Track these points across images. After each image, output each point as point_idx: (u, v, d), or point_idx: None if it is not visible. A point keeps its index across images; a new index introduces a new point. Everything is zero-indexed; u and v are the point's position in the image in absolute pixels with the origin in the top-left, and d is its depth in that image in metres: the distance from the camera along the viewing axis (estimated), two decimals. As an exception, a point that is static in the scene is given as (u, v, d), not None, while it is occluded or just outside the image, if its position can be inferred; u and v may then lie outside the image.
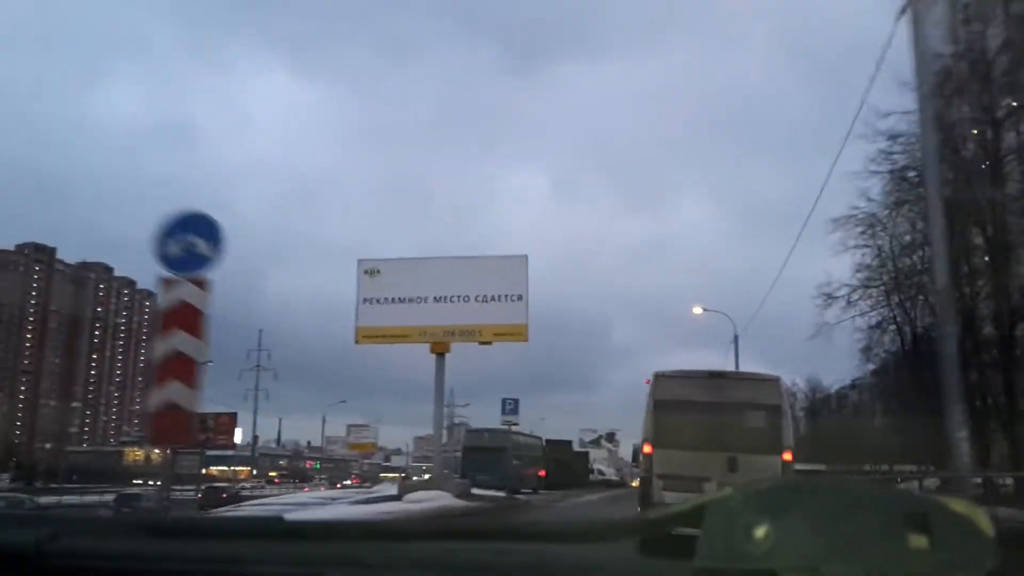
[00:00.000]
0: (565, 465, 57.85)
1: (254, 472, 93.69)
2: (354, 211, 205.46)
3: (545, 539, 1.40)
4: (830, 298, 30.59)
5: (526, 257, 24.09)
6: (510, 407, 25.70)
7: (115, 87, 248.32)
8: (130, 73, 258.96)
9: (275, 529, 1.62)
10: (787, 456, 13.29)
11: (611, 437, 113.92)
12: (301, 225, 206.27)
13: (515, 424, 25.09)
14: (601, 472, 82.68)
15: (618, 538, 1.31)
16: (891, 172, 28.47)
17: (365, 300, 23.91)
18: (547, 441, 61.79)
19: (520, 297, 23.48)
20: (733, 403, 13.59)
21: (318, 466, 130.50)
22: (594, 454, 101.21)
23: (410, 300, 23.66)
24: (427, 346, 23.38)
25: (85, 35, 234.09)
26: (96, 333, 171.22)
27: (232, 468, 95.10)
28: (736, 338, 38.74)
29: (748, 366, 35.32)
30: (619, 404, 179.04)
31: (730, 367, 32.55)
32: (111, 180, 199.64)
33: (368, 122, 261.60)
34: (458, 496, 20.71)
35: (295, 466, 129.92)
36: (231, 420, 59.61)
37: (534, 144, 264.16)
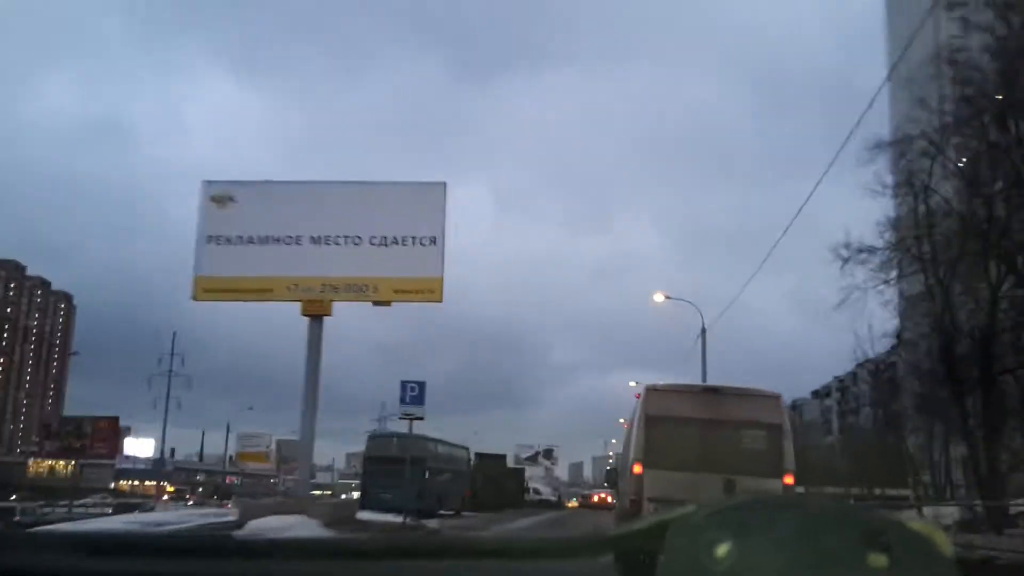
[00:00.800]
0: (497, 483, 50.92)
1: (167, 487, 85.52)
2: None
3: (505, 556, 1.41)
4: (858, 253, 23.87)
5: (444, 185, 17.11)
6: (412, 394, 18.13)
7: (49, 83, 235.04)
8: (66, 69, 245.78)
9: (225, 546, 1.60)
10: (788, 480, 12.48)
11: (549, 454, 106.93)
12: None
13: (418, 418, 17.89)
14: (537, 491, 75.81)
15: (579, 555, 1.31)
16: (961, 81, 22.13)
17: (210, 238, 16.67)
18: (477, 455, 54.93)
19: (434, 240, 16.52)
20: (731, 421, 12.80)
21: (239, 483, 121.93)
22: (530, 472, 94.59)
23: (276, 240, 16.55)
24: (310, 310, 16.22)
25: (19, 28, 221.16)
26: (3, 335, 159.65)
27: (143, 483, 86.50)
28: (703, 331, 32.46)
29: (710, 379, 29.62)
30: (558, 422, 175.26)
31: (689, 379, 27.31)
32: (36, 177, 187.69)
33: (313, 130, 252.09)
34: (328, 524, 13.63)
35: (211, 481, 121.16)
36: (113, 426, 51.55)
37: (481, 157, 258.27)
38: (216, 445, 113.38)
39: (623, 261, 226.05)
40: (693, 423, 12.84)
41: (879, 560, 1.11)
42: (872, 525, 1.15)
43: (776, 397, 13.78)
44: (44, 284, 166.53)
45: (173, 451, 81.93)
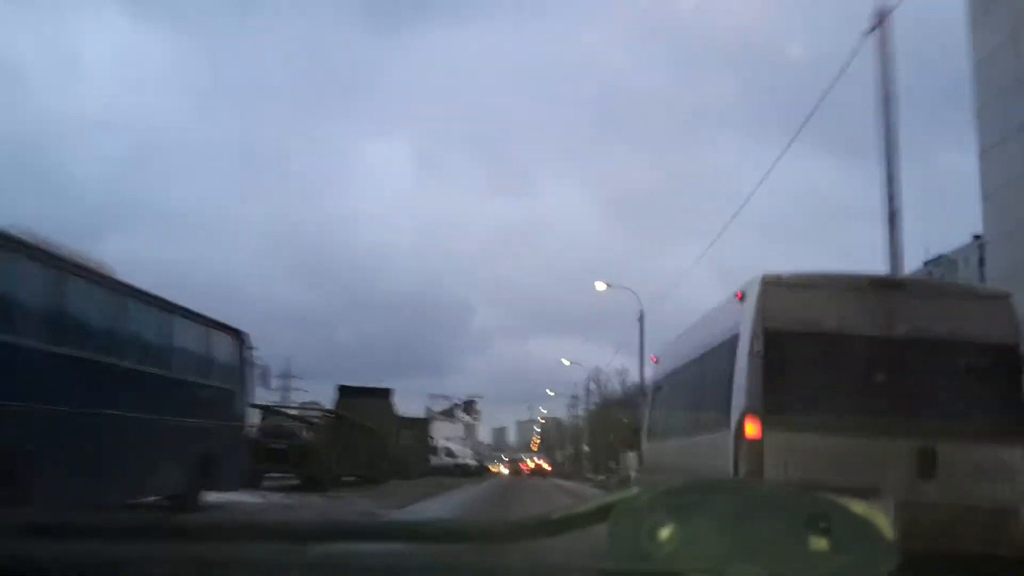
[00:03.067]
0: (376, 438, 30.05)
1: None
2: (203, 177, 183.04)
3: (446, 540, 1.37)
4: None
5: None
6: None
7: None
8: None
9: (159, 529, 1.52)
10: None
11: (470, 407, 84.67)
12: (143, 189, 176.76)
13: None
14: (451, 453, 54.91)
15: (520, 539, 1.28)
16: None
17: None
18: (341, 389, 33.85)
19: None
20: (924, 340, 7.64)
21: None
22: (441, 429, 74.58)
23: None
24: None
25: None
26: None
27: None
28: (642, 316, 32.17)
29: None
30: (480, 388, 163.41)
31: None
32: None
33: (219, 79, 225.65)
34: None
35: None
36: None
37: (396, 114, 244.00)
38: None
39: (544, 223, 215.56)
40: (855, 344, 7.61)
41: (820, 544, 1.12)
42: (814, 508, 1.15)
43: (1005, 297, 8.19)
44: None
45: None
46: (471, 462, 56.45)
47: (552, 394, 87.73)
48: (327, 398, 36.09)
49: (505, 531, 1.31)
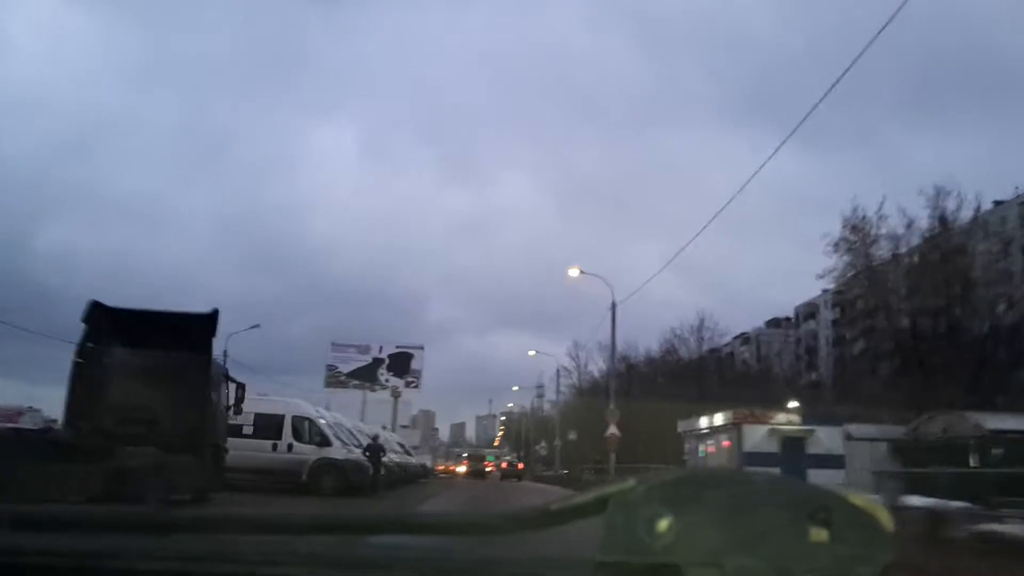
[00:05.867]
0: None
1: None
2: (141, 160, 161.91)
3: (443, 532, 1.38)
4: None
5: None
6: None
7: None
8: None
9: (151, 522, 1.53)
10: None
11: (403, 365, 52.33)
12: (79, 172, 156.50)
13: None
14: (319, 437, 23.14)
15: (518, 531, 1.28)
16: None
17: None
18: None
19: None
20: None
21: None
22: (377, 411, 44.74)
23: None
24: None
25: None
26: None
27: None
28: (614, 306, 32.67)
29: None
30: (436, 383, 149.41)
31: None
32: None
33: (156, 57, 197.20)
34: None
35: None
36: None
37: (342, 96, 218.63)
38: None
39: (498, 215, 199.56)
40: None
41: (820, 535, 1.12)
42: (813, 500, 1.15)
43: None
44: None
45: None
46: (360, 459, 24.51)
47: (534, 353, 61.89)
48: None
49: (502, 523, 1.29)
